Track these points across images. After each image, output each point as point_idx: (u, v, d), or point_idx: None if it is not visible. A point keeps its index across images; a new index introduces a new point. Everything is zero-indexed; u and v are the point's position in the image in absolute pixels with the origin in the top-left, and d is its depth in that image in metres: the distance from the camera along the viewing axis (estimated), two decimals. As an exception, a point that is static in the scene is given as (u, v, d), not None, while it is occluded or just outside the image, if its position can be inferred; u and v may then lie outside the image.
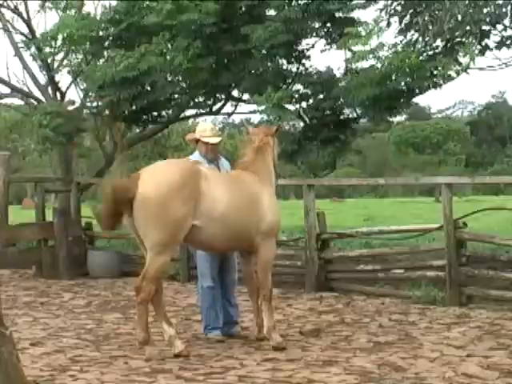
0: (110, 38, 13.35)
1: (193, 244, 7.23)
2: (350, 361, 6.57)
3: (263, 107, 11.82)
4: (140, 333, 6.75)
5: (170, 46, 12.45)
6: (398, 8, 11.34)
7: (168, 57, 12.24)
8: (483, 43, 11.12)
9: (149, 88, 12.77)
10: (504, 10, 10.53)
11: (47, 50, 14.34)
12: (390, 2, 11.32)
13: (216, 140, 7.58)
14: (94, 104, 14.17)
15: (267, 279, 7.18)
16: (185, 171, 6.78)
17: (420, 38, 11.09)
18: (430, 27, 10.38)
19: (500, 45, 11.34)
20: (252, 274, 7.39)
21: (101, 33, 13.29)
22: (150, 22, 12.26)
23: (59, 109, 13.44)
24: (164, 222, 6.55)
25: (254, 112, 14.10)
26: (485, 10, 10.36)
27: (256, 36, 11.70)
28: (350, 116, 12.91)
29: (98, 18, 13.84)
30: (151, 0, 12.79)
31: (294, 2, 12.18)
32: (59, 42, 13.81)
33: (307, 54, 13.07)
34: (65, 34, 12.96)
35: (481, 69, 11.18)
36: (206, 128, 7.69)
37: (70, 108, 14.14)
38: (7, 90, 16.23)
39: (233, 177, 7.30)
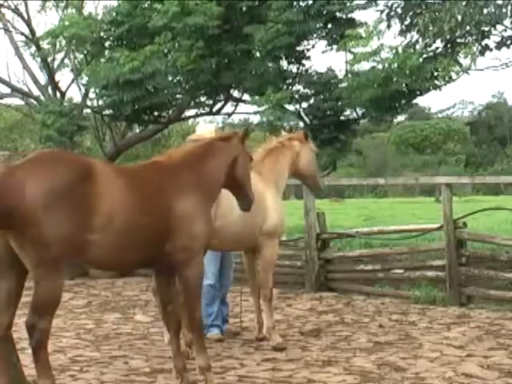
0: (111, 39, 13.32)
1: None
2: (350, 361, 6.57)
3: (263, 108, 11.81)
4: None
5: (172, 46, 12.41)
6: (399, 10, 11.35)
7: (169, 57, 12.20)
8: (483, 43, 11.15)
9: (152, 90, 12.72)
10: (504, 10, 10.55)
11: (48, 47, 14.33)
12: (390, 4, 11.34)
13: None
14: (95, 103, 14.14)
15: (269, 279, 7.22)
16: None
17: (420, 39, 11.11)
18: (430, 28, 10.39)
19: (500, 45, 11.36)
20: (255, 273, 7.42)
21: (102, 33, 13.26)
22: (157, 25, 12.16)
23: (62, 108, 13.41)
24: None
25: (253, 113, 14.11)
26: (485, 11, 10.37)
27: (258, 38, 11.71)
28: (351, 117, 12.92)
29: (98, 18, 13.80)
30: (154, 0, 12.75)
31: (294, 3, 12.17)
32: (63, 42, 13.78)
33: (307, 54, 13.10)
34: (71, 33, 12.85)
35: (480, 70, 11.21)
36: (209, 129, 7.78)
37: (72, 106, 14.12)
38: (7, 90, 16.24)
39: None
